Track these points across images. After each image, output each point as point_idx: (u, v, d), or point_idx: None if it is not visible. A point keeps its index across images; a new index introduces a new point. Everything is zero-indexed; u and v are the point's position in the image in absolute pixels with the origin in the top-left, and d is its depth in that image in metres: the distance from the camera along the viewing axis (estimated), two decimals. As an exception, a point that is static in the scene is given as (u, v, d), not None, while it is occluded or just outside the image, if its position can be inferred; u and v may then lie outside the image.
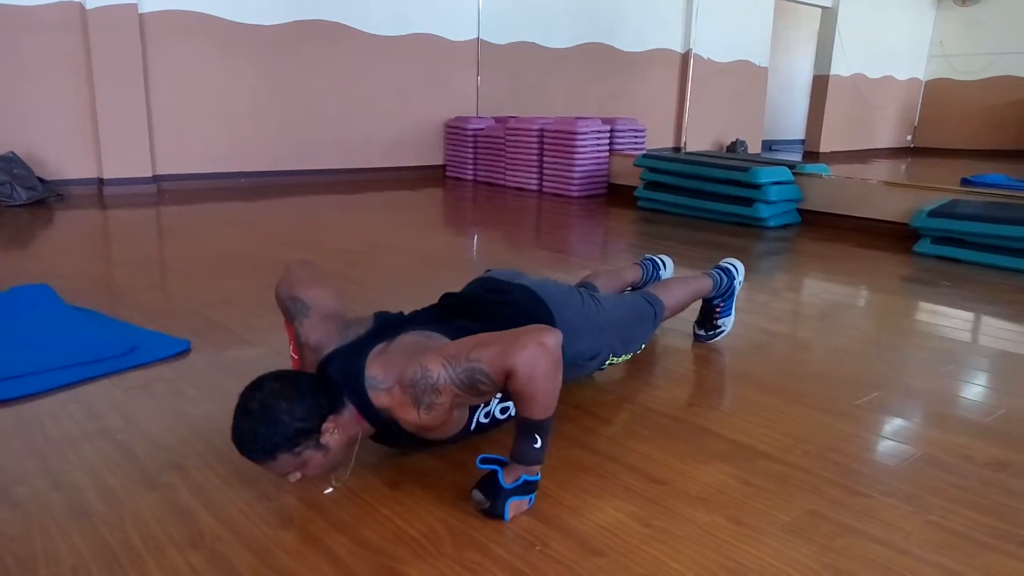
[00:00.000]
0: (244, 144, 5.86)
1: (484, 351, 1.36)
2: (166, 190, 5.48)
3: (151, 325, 2.43)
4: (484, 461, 1.42)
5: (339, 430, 1.38)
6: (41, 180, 4.89)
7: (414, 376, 1.37)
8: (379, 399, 1.41)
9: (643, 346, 2.09)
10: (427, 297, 1.87)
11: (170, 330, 2.38)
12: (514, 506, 1.39)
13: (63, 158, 5.14)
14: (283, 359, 1.92)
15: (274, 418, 1.31)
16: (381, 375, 1.41)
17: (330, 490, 1.47)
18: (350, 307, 1.68)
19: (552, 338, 1.38)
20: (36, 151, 5.00)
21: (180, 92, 5.50)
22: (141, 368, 2.09)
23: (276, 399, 1.32)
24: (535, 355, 1.34)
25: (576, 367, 1.81)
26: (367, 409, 1.41)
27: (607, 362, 1.93)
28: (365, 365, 1.42)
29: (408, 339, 1.49)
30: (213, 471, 1.55)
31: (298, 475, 1.37)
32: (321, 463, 1.38)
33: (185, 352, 2.22)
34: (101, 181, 5.27)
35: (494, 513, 1.38)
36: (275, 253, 3.63)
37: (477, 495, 1.41)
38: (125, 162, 5.29)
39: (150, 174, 5.41)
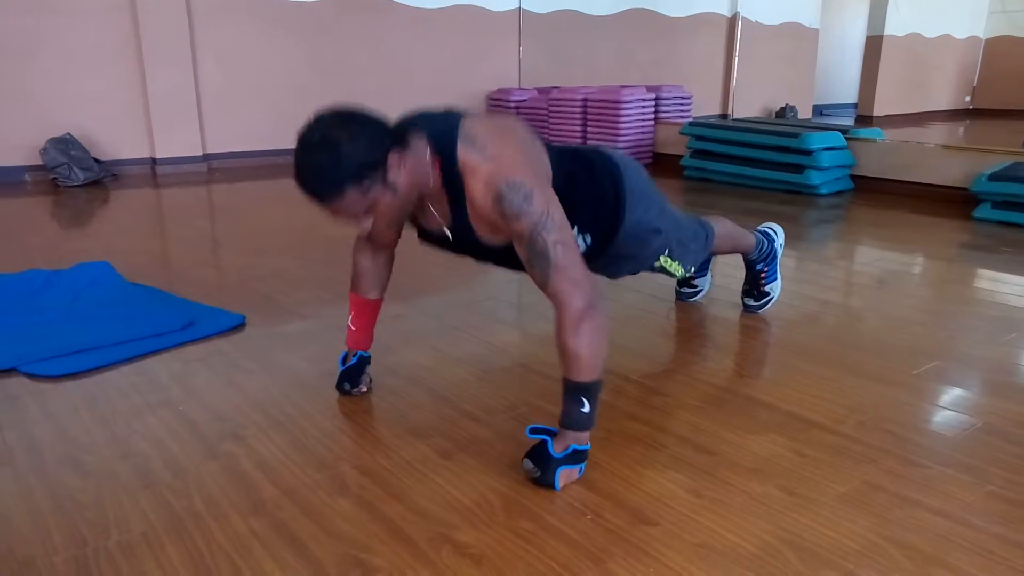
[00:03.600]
0: (290, 121, 5.84)
1: (565, 254, 1.34)
2: (216, 168, 5.58)
3: (207, 300, 2.49)
4: (534, 431, 1.43)
5: (405, 168, 1.34)
6: (97, 161, 5.02)
7: (515, 185, 1.33)
8: (465, 154, 1.36)
9: (692, 269, 2.04)
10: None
11: (225, 305, 2.44)
12: (564, 475, 1.40)
13: (117, 139, 5.27)
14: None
15: (337, 149, 1.27)
16: (481, 135, 1.37)
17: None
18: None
19: (601, 305, 1.37)
20: (91, 132, 5.13)
21: (227, 71, 5.58)
22: (199, 342, 2.15)
23: (337, 131, 1.29)
24: (583, 308, 1.34)
25: (638, 239, 1.75)
26: (447, 156, 1.36)
27: (661, 259, 1.89)
28: (461, 119, 1.39)
29: (519, 125, 1.45)
30: (271, 440, 1.59)
31: (369, 220, 1.34)
32: (391, 204, 1.35)
33: (241, 326, 2.27)
34: (154, 160, 5.39)
35: (544, 482, 1.40)
36: (324, 229, 3.67)
37: (527, 464, 1.42)
38: (176, 141, 5.40)
39: (200, 153, 5.52)
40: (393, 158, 1.32)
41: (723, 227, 2.17)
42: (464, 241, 1.50)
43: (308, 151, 1.29)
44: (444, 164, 1.38)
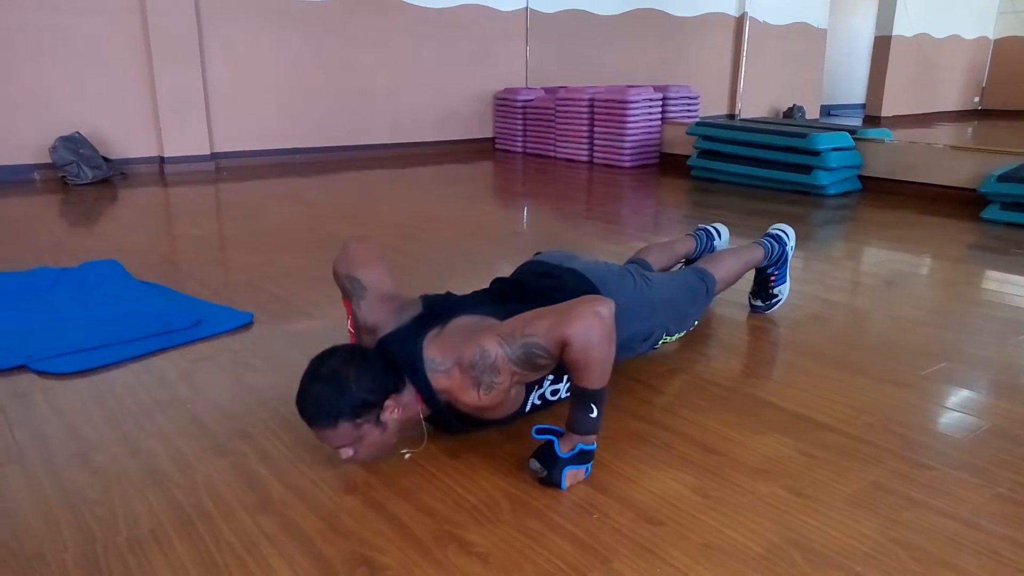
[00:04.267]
0: (298, 120, 5.94)
1: (538, 325, 1.38)
2: (224, 167, 5.60)
3: (215, 299, 2.50)
4: (540, 431, 1.44)
5: (399, 410, 1.41)
6: (105, 159, 5.04)
7: (473, 358, 1.39)
8: (439, 382, 1.43)
9: (696, 323, 2.07)
10: (481, 270, 1.88)
11: (233, 303, 2.45)
12: (571, 475, 1.41)
13: (126, 137, 5.29)
14: (342, 331, 1.96)
15: (342, 386, 1.34)
16: (439, 358, 1.44)
17: (407, 454, 1.51)
18: (406, 282, 1.70)
19: (606, 307, 1.39)
20: (100, 131, 5.15)
21: (235, 70, 5.59)
22: (207, 340, 2.15)
23: (346, 368, 1.36)
24: (590, 324, 1.35)
25: (629, 349, 1.81)
26: (426, 391, 1.44)
27: (660, 341, 1.92)
28: (423, 348, 1.45)
29: (462, 322, 1.51)
30: (279, 439, 1.60)
31: (351, 451, 1.39)
32: (376, 441, 1.41)
33: (248, 325, 2.28)
34: (162, 159, 5.41)
35: (551, 482, 1.40)
36: (331, 228, 3.69)
37: (534, 464, 1.42)
38: (184, 140, 5.42)
39: (208, 152, 5.54)
40: (390, 402, 1.39)
41: (725, 268, 2.15)
42: (478, 425, 1.56)
43: (315, 381, 1.37)
44: (427, 397, 1.45)
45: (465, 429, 1.57)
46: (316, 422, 1.37)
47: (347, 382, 1.34)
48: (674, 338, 1.97)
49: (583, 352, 1.35)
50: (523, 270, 1.86)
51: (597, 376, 1.38)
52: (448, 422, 1.53)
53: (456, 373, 1.42)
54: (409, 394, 1.44)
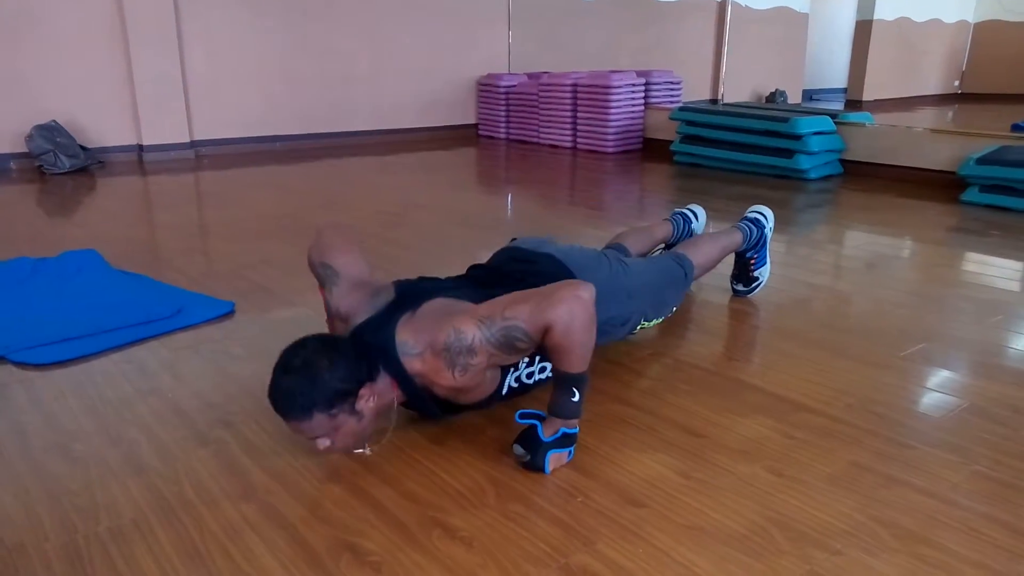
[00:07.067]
0: (278, 107, 5.87)
1: (519, 309, 1.37)
2: (203, 155, 5.54)
3: (195, 288, 2.48)
4: (523, 416, 1.44)
5: (374, 397, 1.40)
6: (83, 148, 4.97)
7: (447, 339, 1.38)
8: (412, 365, 1.42)
9: (675, 309, 2.06)
10: (464, 257, 1.88)
11: (214, 292, 2.43)
12: (554, 459, 1.41)
13: (103, 126, 5.21)
14: (323, 319, 1.95)
15: (315, 376, 1.33)
16: (411, 341, 1.43)
17: (367, 452, 1.49)
18: (388, 270, 1.70)
19: (587, 291, 1.39)
20: (77, 119, 5.07)
21: (214, 57, 5.52)
22: (188, 329, 2.14)
23: (319, 358, 1.35)
24: (572, 308, 1.35)
25: (606, 333, 1.78)
26: (401, 376, 1.43)
27: (638, 327, 1.91)
28: (395, 333, 1.44)
29: (435, 304, 1.49)
30: (261, 427, 1.59)
31: (327, 442, 1.38)
32: (353, 430, 1.39)
33: (229, 313, 2.27)
34: (140, 148, 5.34)
35: (534, 466, 1.40)
36: (312, 215, 3.66)
37: (518, 449, 1.43)
38: (163, 128, 5.35)
39: (187, 140, 5.47)
40: (364, 390, 1.38)
41: (702, 254, 2.14)
42: (455, 409, 1.56)
43: (287, 372, 1.35)
44: (402, 383, 1.44)
45: (443, 414, 1.57)
46: (290, 414, 1.35)
47: (320, 372, 1.33)
48: (652, 323, 1.96)
49: (565, 336, 1.35)
50: (499, 256, 1.85)
51: (578, 360, 1.39)
52: (425, 406, 1.52)
53: (428, 356, 1.41)
54: (384, 381, 1.43)
